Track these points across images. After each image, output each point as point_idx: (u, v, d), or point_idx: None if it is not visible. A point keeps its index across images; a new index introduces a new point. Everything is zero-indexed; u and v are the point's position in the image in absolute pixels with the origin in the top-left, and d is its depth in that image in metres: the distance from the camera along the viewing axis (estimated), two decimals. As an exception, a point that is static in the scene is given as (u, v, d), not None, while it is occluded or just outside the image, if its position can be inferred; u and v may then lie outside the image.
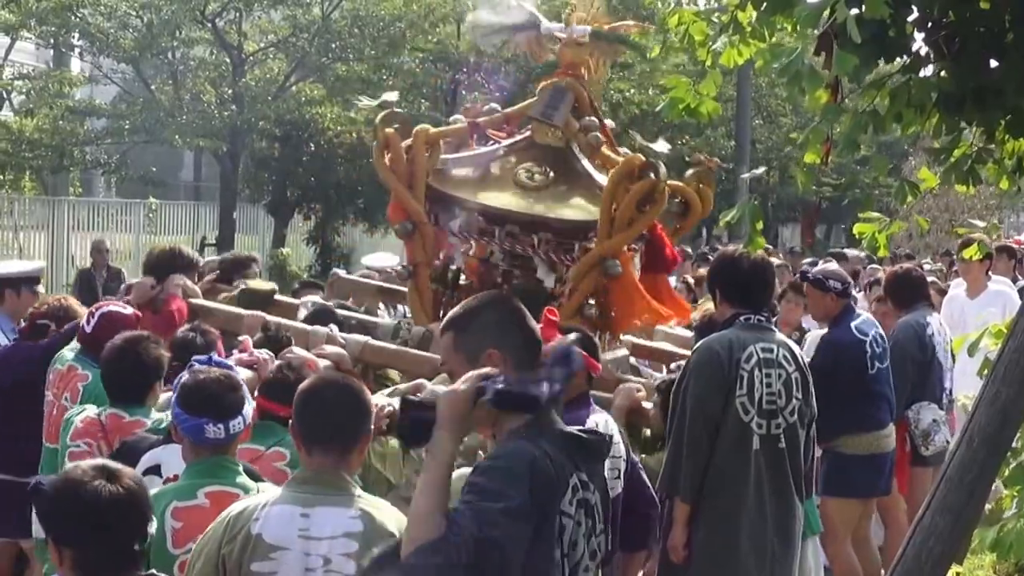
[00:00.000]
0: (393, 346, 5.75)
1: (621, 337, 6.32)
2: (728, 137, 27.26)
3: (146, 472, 3.81)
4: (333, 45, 19.55)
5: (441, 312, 6.03)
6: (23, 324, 5.97)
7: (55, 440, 4.88)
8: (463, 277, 6.18)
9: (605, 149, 6.22)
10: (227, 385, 3.65)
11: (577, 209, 5.96)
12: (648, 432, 5.35)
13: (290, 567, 3.15)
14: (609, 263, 5.71)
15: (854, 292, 7.26)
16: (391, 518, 3.26)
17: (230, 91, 18.46)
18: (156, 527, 3.40)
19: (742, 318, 4.86)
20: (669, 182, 5.93)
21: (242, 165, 19.81)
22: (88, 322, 5.18)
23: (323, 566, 3.16)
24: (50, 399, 5.16)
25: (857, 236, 4.26)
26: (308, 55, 19.64)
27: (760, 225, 3.65)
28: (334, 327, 5.61)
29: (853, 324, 6.37)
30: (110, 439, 4.40)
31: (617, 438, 4.51)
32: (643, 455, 5.19)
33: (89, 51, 19.82)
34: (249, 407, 3.69)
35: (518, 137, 6.27)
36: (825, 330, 6.63)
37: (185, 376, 3.73)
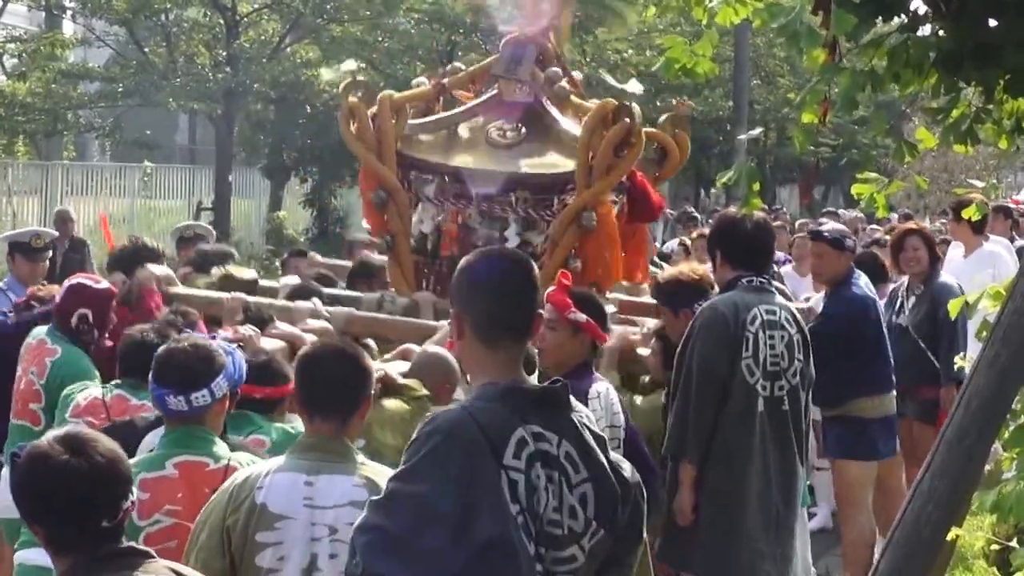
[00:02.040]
0: (379, 315, 5.69)
1: (608, 294, 6.29)
2: (726, 98, 27.14)
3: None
4: (327, 6, 19.36)
5: (424, 282, 6.03)
6: (17, 299, 5.91)
7: (24, 416, 4.83)
8: (443, 245, 6.09)
9: (574, 98, 6.15)
10: (195, 356, 3.60)
11: (552, 163, 5.90)
12: (646, 379, 5.33)
13: (295, 537, 3.12)
14: (585, 216, 5.64)
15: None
16: None
17: (224, 53, 18.29)
18: None
19: (744, 280, 4.83)
20: (646, 130, 5.87)
21: (237, 128, 19.68)
22: (55, 297, 5.13)
23: (328, 535, 3.13)
24: (19, 373, 5.06)
25: (855, 196, 4.22)
26: (303, 16, 19.47)
27: (757, 187, 3.61)
28: (316, 301, 5.56)
29: (862, 283, 6.27)
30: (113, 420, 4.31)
31: (617, 408, 4.49)
32: (638, 396, 5.18)
33: (81, 13, 19.65)
34: (223, 380, 3.62)
35: (485, 96, 6.18)
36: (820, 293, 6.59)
37: (161, 347, 3.70)
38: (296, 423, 3.96)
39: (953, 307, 3.85)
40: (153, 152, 19.42)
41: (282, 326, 5.15)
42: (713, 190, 29.95)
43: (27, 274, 6.74)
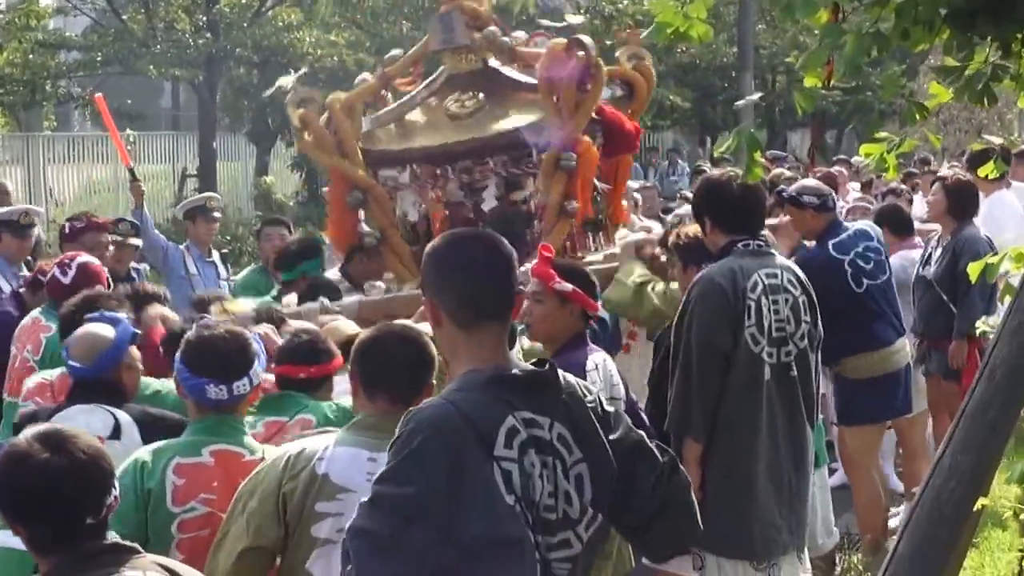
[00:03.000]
0: (389, 296, 5.64)
1: (616, 237, 6.21)
2: (730, 43, 26.71)
3: None
4: (309, -34, 19.07)
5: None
6: (27, 273, 5.88)
7: (17, 393, 4.76)
8: (433, 229, 5.99)
9: (520, 48, 6.07)
10: (234, 344, 3.51)
11: (520, 117, 5.81)
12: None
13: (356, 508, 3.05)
14: (564, 157, 5.56)
15: (838, 204, 7.02)
16: None
17: (204, 18, 17.98)
18: (156, 483, 3.30)
19: (740, 244, 4.62)
20: (606, 69, 5.79)
21: (220, 93, 19.40)
22: (64, 273, 5.05)
23: None
24: (14, 352, 5.04)
25: (864, 156, 4.07)
26: (283, -23, 19.14)
27: (758, 155, 3.46)
28: (324, 299, 5.50)
29: (832, 242, 6.12)
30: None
31: (617, 379, 4.38)
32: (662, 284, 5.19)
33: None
34: (259, 368, 3.54)
35: (432, 78, 6.10)
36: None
37: (191, 333, 3.59)
38: (342, 402, 3.92)
39: (973, 270, 3.70)
40: (136, 120, 19.14)
41: (297, 323, 5.08)
42: (721, 139, 29.67)
43: (15, 251, 6.64)
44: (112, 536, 2.56)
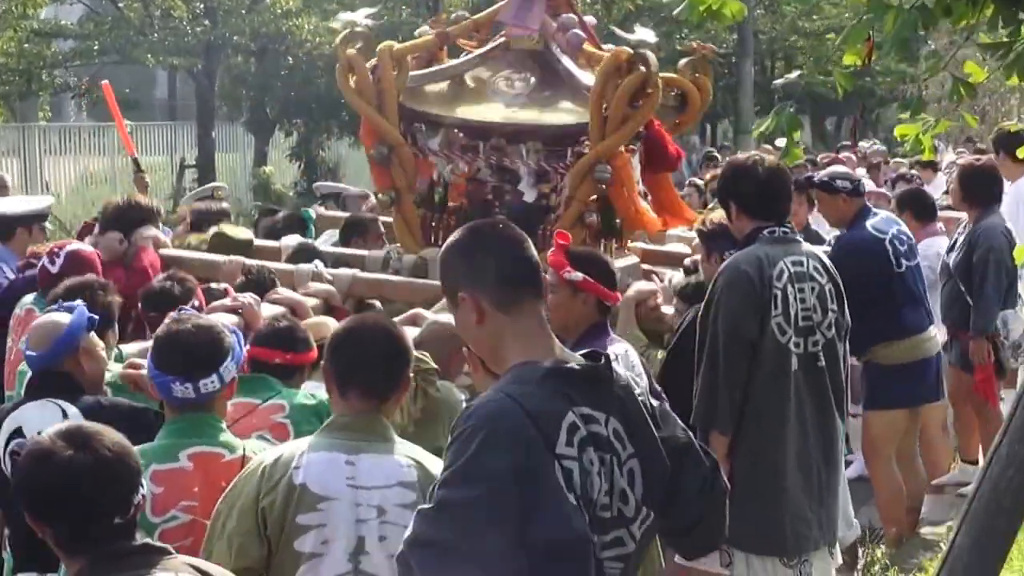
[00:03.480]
0: (384, 276, 5.48)
1: (630, 244, 6.06)
2: (730, 29, 26.59)
3: (10, 437, 3.57)
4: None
5: (432, 237, 5.82)
6: (21, 262, 5.74)
7: (13, 387, 4.64)
8: (450, 198, 5.85)
9: (587, 46, 5.91)
10: (202, 338, 3.34)
11: (564, 113, 5.68)
12: (668, 336, 5.11)
13: (340, 518, 2.93)
14: (599, 168, 5.43)
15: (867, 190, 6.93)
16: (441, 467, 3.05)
17: (202, 6, 17.77)
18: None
19: (766, 231, 4.48)
20: (663, 75, 5.66)
21: (218, 82, 19.19)
22: (52, 262, 4.91)
23: (377, 517, 2.94)
24: (9, 344, 4.94)
25: (898, 139, 3.94)
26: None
27: (797, 135, 3.34)
28: (319, 263, 5.35)
29: (869, 224, 6.04)
30: None
31: (639, 369, 4.22)
32: (661, 352, 5.00)
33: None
34: (232, 363, 3.38)
35: (491, 45, 5.93)
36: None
37: (162, 327, 3.44)
38: (317, 393, 3.79)
39: (1019, 254, 3.55)
40: (132, 110, 18.95)
41: (283, 291, 4.95)
42: (720, 126, 29.52)
43: (20, 244, 6.40)
44: (141, 536, 2.47)
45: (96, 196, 17.46)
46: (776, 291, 4.39)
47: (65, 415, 3.58)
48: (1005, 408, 7.43)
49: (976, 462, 7.08)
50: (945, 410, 7.00)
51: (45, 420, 3.44)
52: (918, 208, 7.32)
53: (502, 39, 5.89)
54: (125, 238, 5.35)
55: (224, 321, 3.72)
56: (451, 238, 2.63)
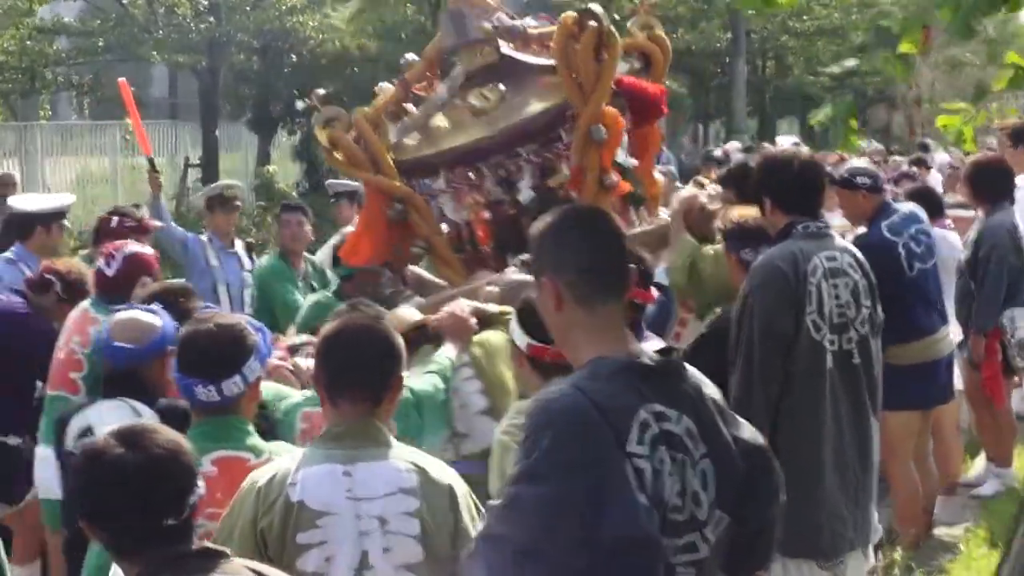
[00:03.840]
0: (445, 293, 5.35)
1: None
2: (723, 29, 26.63)
3: (80, 435, 3.55)
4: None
5: (475, 269, 5.73)
6: (30, 275, 5.63)
7: (62, 385, 4.64)
8: (477, 230, 5.81)
9: (532, 30, 5.93)
10: (223, 339, 3.23)
11: (542, 101, 5.67)
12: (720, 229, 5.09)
13: (341, 533, 2.82)
14: (594, 130, 5.43)
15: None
16: (443, 470, 2.97)
17: (206, 2, 17.62)
18: None
19: (800, 226, 4.43)
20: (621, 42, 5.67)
21: (221, 80, 19.03)
22: (108, 265, 4.87)
23: (380, 528, 2.83)
24: (60, 344, 4.89)
25: (941, 129, 3.85)
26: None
27: (854, 123, 3.24)
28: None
29: (884, 223, 5.97)
30: None
31: None
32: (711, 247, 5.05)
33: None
34: (256, 361, 3.27)
35: (450, 79, 5.94)
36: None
37: (183, 329, 3.35)
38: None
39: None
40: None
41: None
42: (712, 126, 29.49)
43: (40, 245, 6.39)
44: (197, 539, 2.39)
45: (96, 196, 17.34)
46: (811, 287, 4.33)
47: (138, 415, 3.56)
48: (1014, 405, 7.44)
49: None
50: (958, 409, 6.94)
51: (118, 420, 3.32)
52: (926, 204, 7.24)
53: (458, 68, 5.92)
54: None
55: (251, 319, 3.62)
56: (548, 218, 2.56)
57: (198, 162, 18.01)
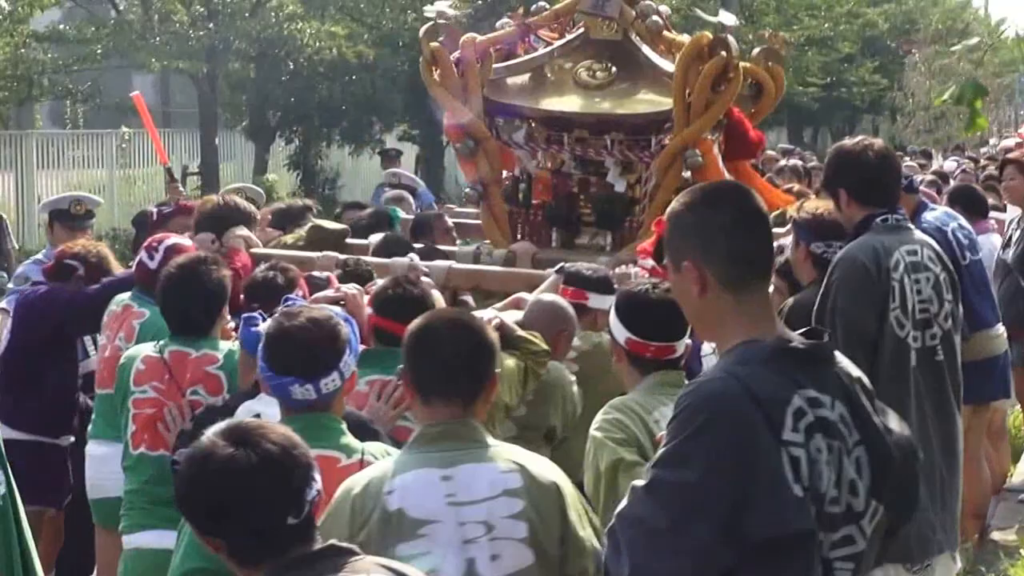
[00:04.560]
0: (479, 266, 5.38)
1: None
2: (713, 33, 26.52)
3: None
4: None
5: (519, 233, 5.76)
6: (48, 263, 5.59)
7: (109, 385, 4.50)
8: (535, 193, 5.80)
9: (667, 33, 5.89)
10: (318, 335, 3.06)
11: (647, 102, 5.64)
12: None
13: (445, 541, 2.65)
14: (690, 154, 5.38)
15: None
16: (546, 466, 2.80)
17: (203, 9, 17.41)
18: None
19: (879, 219, 4.29)
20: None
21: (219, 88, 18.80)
22: (151, 257, 4.77)
23: (486, 534, 2.66)
24: (103, 341, 4.84)
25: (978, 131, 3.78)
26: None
27: (979, 104, 3.13)
28: (414, 256, 5.19)
29: (931, 216, 5.96)
30: (180, 380, 4.12)
31: None
32: None
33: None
34: (351, 356, 3.12)
35: (571, 36, 5.89)
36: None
37: (271, 323, 3.17)
38: None
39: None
40: (134, 117, 18.57)
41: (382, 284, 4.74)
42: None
43: (64, 243, 6.25)
44: (319, 537, 2.22)
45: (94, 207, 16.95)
46: (894, 282, 4.19)
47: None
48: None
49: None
50: (1005, 411, 6.86)
51: (270, 414, 3.22)
52: (969, 204, 7.17)
53: (581, 30, 5.84)
54: (217, 239, 5.19)
55: (338, 310, 3.47)
56: (684, 198, 2.45)
57: (197, 171, 17.78)
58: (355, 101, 18.37)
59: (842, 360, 2.42)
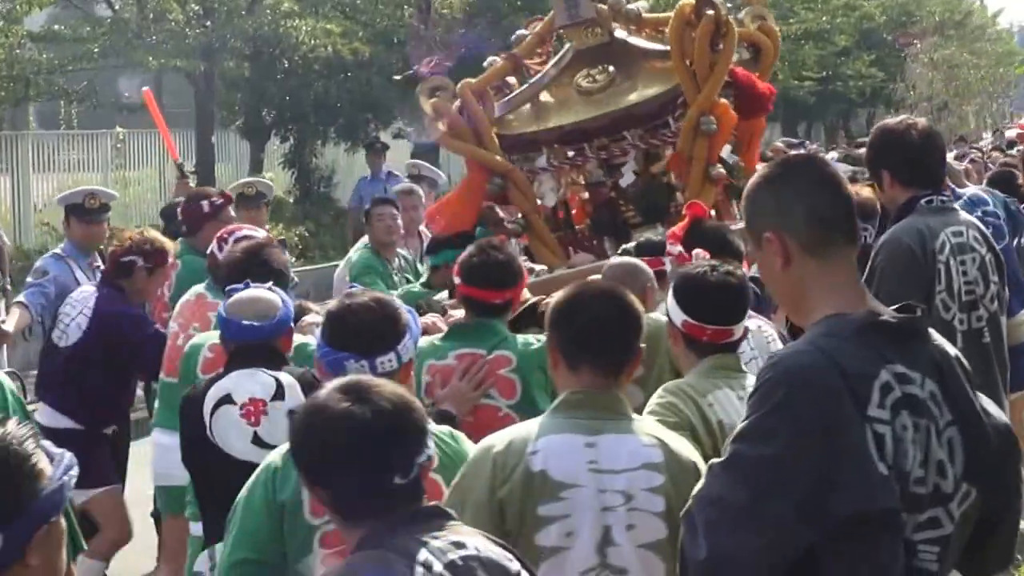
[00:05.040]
0: (551, 275, 5.32)
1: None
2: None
3: (217, 404, 3.45)
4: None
5: (569, 250, 5.82)
6: (102, 265, 5.75)
7: (175, 373, 4.60)
8: (574, 211, 5.94)
9: (647, 16, 5.96)
10: (380, 313, 3.07)
11: (653, 86, 5.67)
12: None
13: (584, 506, 2.69)
14: (703, 121, 5.42)
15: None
16: (685, 445, 2.84)
17: (197, 7, 17.26)
18: (290, 494, 2.82)
19: (923, 201, 4.29)
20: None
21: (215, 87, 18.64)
22: (221, 249, 4.93)
23: (624, 503, 2.70)
24: (175, 329, 4.94)
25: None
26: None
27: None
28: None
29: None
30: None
31: (776, 346, 4.00)
32: None
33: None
34: (410, 341, 3.11)
35: (559, 56, 5.96)
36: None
37: (334, 303, 3.19)
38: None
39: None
40: (126, 116, 18.47)
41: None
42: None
43: (82, 238, 6.30)
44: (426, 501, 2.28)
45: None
46: (939, 265, 4.19)
47: (279, 382, 3.49)
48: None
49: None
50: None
51: (253, 388, 3.41)
52: (1008, 190, 7.15)
53: (568, 45, 5.92)
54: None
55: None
56: (759, 172, 2.43)
57: (194, 170, 17.66)
58: (350, 98, 18.25)
59: (938, 338, 2.37)
